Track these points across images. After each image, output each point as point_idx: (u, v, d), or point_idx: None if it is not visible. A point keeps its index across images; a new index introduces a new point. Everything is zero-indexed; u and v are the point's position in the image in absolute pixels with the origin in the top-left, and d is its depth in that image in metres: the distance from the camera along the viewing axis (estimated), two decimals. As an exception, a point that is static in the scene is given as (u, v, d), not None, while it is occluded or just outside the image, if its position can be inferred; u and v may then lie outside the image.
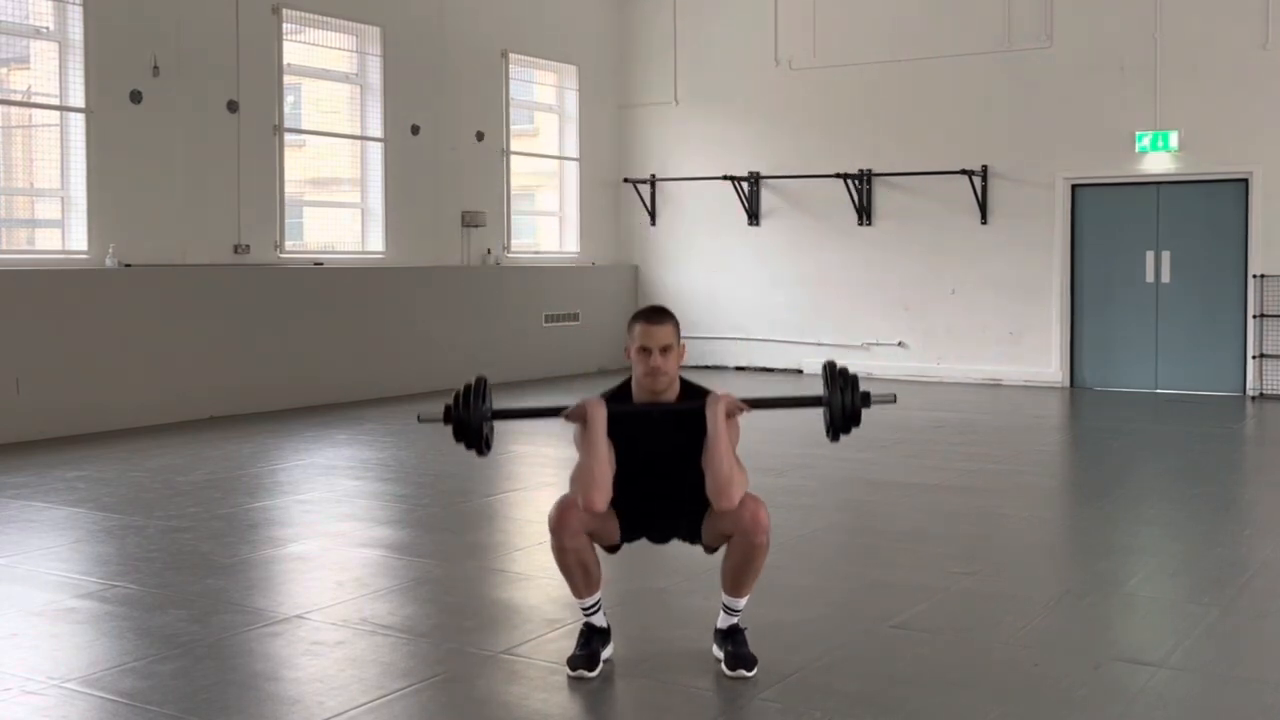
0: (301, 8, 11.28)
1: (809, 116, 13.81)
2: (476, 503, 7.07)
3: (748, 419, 4.05)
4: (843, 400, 3.95)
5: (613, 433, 3.92)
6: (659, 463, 4.02)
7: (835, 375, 4.00)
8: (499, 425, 4.11)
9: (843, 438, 4.04)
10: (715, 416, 3.88)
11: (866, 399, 3.96)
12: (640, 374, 3.96)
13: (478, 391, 3.98)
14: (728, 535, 3.99)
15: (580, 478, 3.90)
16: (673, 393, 4.01)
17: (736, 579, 4.03)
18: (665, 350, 3.93)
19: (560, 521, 3.95)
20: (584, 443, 3.92)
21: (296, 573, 5.52)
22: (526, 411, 4.62)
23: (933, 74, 13.16)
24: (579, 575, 4.03)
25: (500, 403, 4.11)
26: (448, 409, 3.97)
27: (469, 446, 4.01)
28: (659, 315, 3.99)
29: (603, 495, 3.88)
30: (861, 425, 4.01)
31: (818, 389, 4.05)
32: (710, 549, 4.16)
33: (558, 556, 4.03)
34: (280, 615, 4.74)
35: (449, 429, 3.99)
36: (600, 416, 3.90)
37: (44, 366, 9.11)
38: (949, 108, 13.10)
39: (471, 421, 3.96)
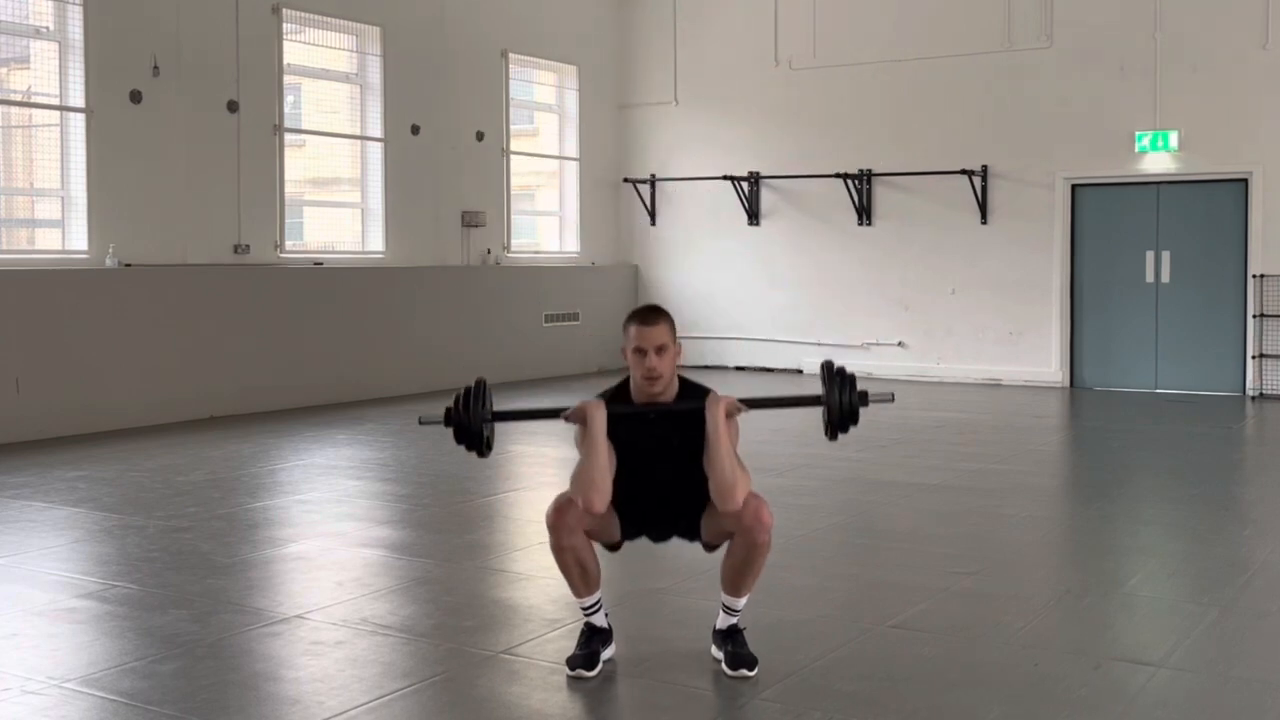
0: (301, 8, 11.28)
1: (809, 116, 13.81)
2: (476, 503, 7.07)
3: (747, 419, 4.05)
4: (840, 399, 3.95)
5: (612, 433, 3.92)
6: (658, 462, 4.02)
7: (833, 375, 4.00)
8: (499, 426, 4.11)
9: (841, 437, 4.04)
10: (715, 418, 3.88)
11: (864, 398, 3.96)
12: (637, 376, 3.96)
13: (478, 394, 3.99)
14: (729, 533, 3.99)
15: (579, 480, 3.90)
16: (671, 392, 4.00)
17: (737, 579, 4.03)
18: (660, 350, 3.92)
19: (557, 519, 3.96)
20: (584, 444, 3.92)
21: (296, 573, 5.52)
22: (526, 413, 4.63)
23: (933, 74, 13.16)
24: (577, 574, 4.03)
25: (500, 403, 4.12)
26: (448, 411, 3.98)
27: (470, 448, 4.02)
28: (653, 315, 3.98)
29: (602, 497, 3.89)
30: (860, 425, 4.01)
31: (817, 388, 4.05)
32: (710, 547, 4.16)
33: (556, 555, 4.03)
34: (280, 615, 4.74)
35: (450, 431, 3.99)
36: (600, 418, 3.90)
37: (44, 366, 9.11)
38: (949, 108, 13.11)
39: (472, 424, 3.97)
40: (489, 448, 4.05)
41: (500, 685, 4.02)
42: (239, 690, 3.95)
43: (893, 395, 4.15)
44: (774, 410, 4.36)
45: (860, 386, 3.98)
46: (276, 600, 5.05)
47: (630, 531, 4.16)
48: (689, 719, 3.78)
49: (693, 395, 4.02)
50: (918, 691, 3.90)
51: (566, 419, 3.98)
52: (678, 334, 4.05)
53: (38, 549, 5.84)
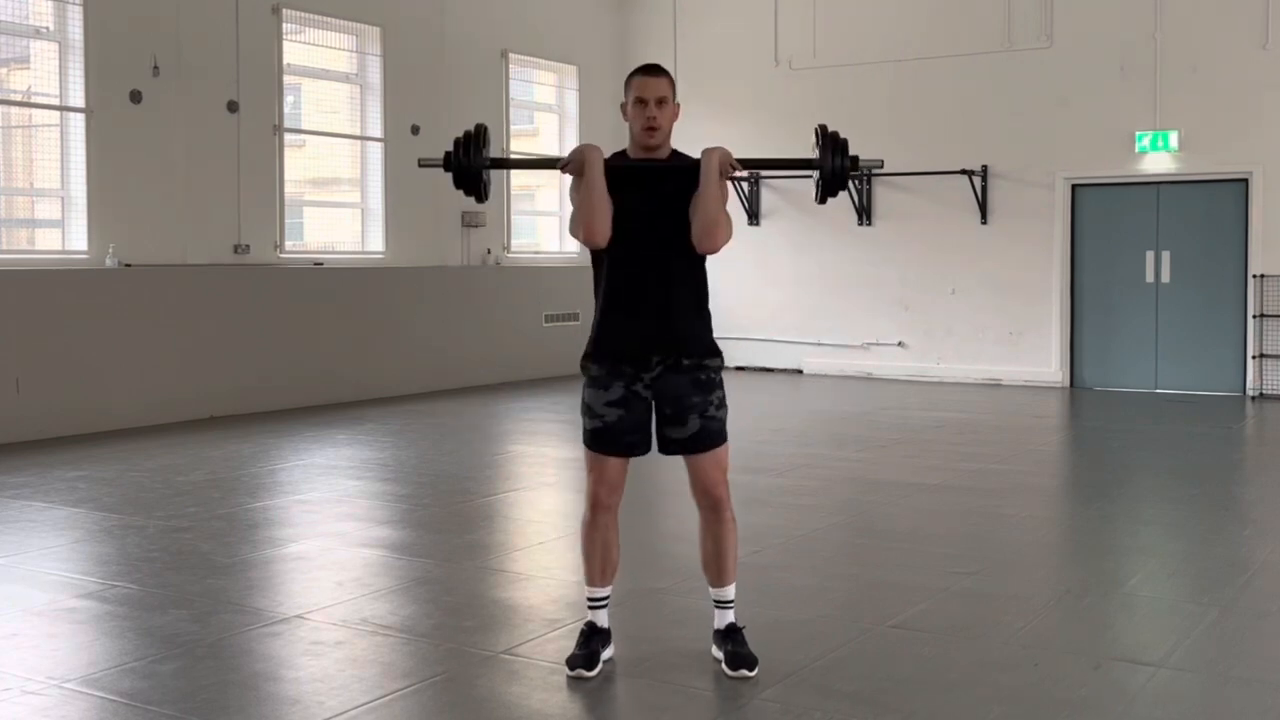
0: (301, 8, 11.28)
1: (809, 116, 13.73)
2: (476, 503, 7.06)
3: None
4: (833, 163, 4.09)
5: (609, 191, 3.98)
6: (653, 220, 4.03)
7: (827, 138, 4.13)
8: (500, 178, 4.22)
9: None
10: (709, 165, 3.99)
11: (855, 162, 4.11)
12: (638, 128, 4.03)
13: (477, 139, 4.11)
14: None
15: (579, 213, 3.98)
16: (665, 151, 4.09)
17: (715, 565, 4.09)
18: (661, 103, 4.01)
19: (598, 493, 4.03)
20: (582, 181, 4.00)
21: (296, 573, 5.52)
22: (524, 162, 4.91)
23: (933, 74, 13.16)
24: (599, 558, 4.08)
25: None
26: (448, 156, 4.12)
27: (468, 193, 4.17)
28: (655, 69, 4.08)
29: (603, 228, 3.95)
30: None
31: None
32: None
33: (586, 532, 4.09)
34: (280, 615, 4.74)
35: (449, 186, 4.19)
36: (596, 159, 3.99)
37: (44, 366, 9.11)
38: (949, 108, 13.11)
39: (471, 167, 4.10)
40: (486, 194, 4.21)
41: (500, 685, 4.02)
42: (239, 690, 3.95)
43: (882, 161, 4.36)
44: (769, 171, 4.50)
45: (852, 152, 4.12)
46: (276, 600, 5.05)
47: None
48: (689, 719, 3.78)
49: (686, 160, 4.11)
50: (918, 691, 3.90)
51: (563, 169, 4.08)
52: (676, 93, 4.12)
53: (38, 549, 5.84)
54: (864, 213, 13.56)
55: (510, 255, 13.63)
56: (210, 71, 10.49)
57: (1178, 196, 12.23)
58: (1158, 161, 12.20)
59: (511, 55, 13.53)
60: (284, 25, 11.15)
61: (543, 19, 13.90)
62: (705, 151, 4.03)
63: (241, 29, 10.74)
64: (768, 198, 14.11)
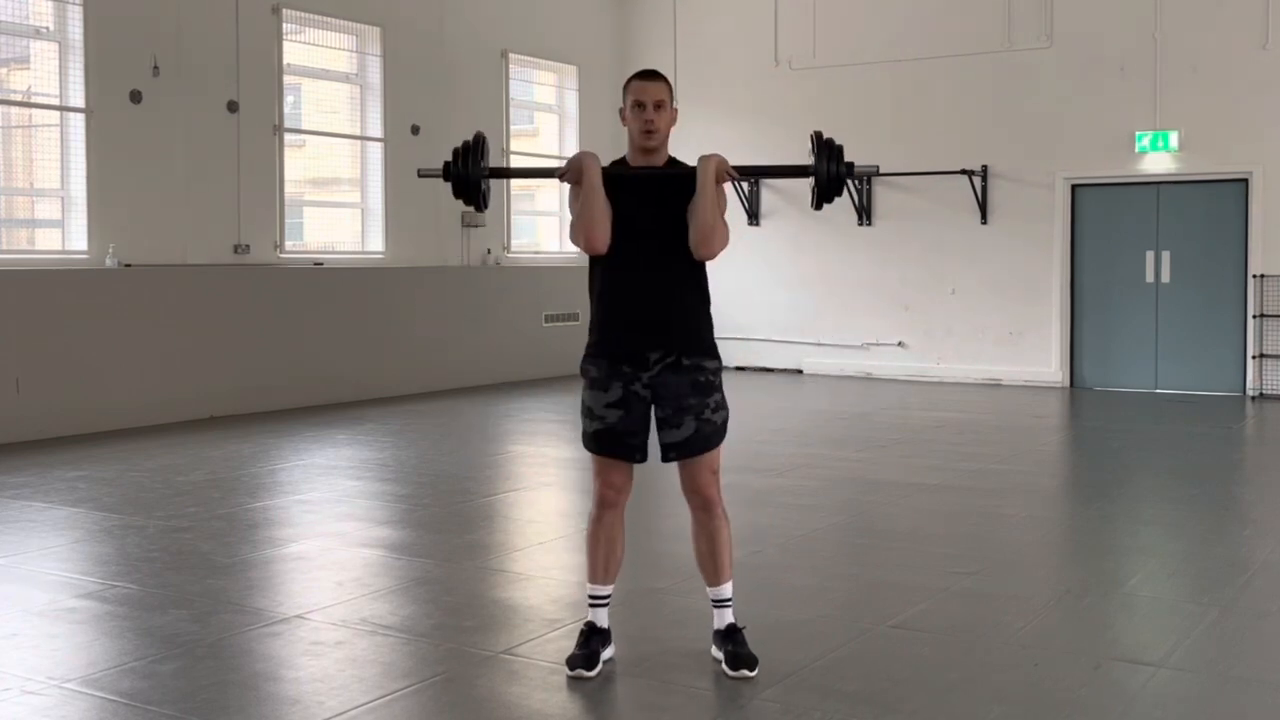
0: (301, 8, 11.28)
1: (809, 116, 13.76)
2: (476, 503, 7.06)
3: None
4: (828, 169, 4.11)
5: (608, 196, 4.00)
6: (651, 228, 4.04)
7: (822, 144, 4.15)
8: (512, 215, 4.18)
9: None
10: (705, 172, 4.02)
11: (850, 168, 4.13)
12: (636, 131, 4.06)
13: (475, 149, 4.13)
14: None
15: (580, 218, 3.99)
16: (663, 157, 4.12)
17: (710, 564, 4.10)
18: (659, 106, 4.04)
19: (605, 492, 4.05)
20: (580, 191, 4.02)
21: (296, 573, 5.52)
22: (523, 171, 4.89)
23: (933, 74, 13.16)
24: (603, 555, 4.09)
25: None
26: (447, 166, 4.14)
27: (468, 203, 4.19)
28: (653, 73, 4.11)
29: (603, 233, 3.97)
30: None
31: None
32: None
33: (592, 528, 4.11)
34: (280, 615, 4.74)
35: (449, 190, 4.15)
36: (594, 166, 4.02)
37: (44, 366, 9.11)
38: (949, 108, 13.11)
39: (470, 177, 4.12)
40: (486, 202, 4.22)
41: (500, 685, 4.02)
42: (239, 690, 3.95)
43: (878, 168, 4.37)
44: (765, 179, 4.47)
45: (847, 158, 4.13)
46: (276, 600, 5.05)
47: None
48: (689, 719, 3.78)
49: (683, 167, 4.13)
50: (918, 691, 3.90)
51: (561, 177, 4.10)
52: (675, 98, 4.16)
53: (38, 549, 5.84)
54: (864, 213, 13.56)
55: (510, 255, 13.63)
56: (210, 71, 10.49)
57: (1178, 196, 12.23)
58: (1158, 161, 12.20)
59: (511, 55, 13.53)
60: (284, 25, 11.15)
61: (543, 19, 13.90)
62: (701, 159, 4.05)
63: (241, 29, 10.74)
64: (768, 198, 14.11)
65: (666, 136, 4.10)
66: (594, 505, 4.11)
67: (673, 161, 4.15)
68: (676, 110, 4.13)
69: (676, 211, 4.03)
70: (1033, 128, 12.70)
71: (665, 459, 4.07)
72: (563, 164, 4.10)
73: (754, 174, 4.37)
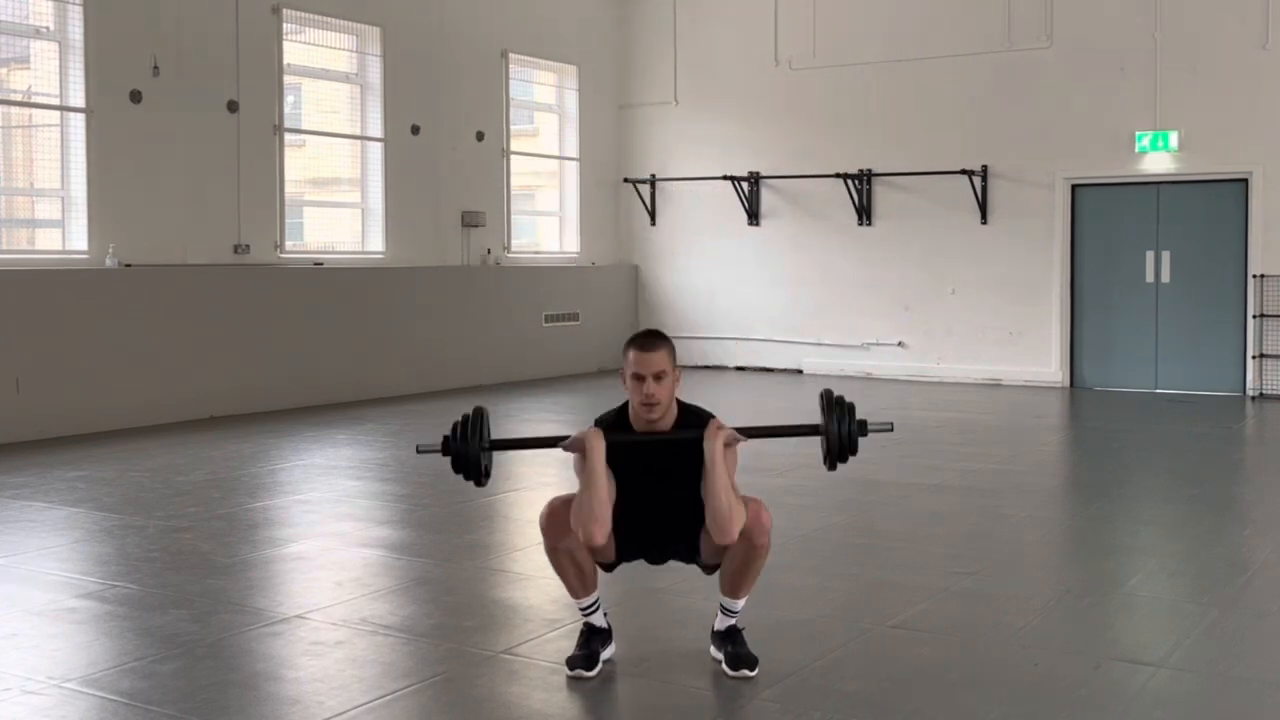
0: (301, 8, 11.28)
1: (809, 116, 13.81)
2: (476, 503, 7.06)
3: (747, 446, 4.02)
4: (840, 429, 3.92)
5: (611, 460, 3.89)
6: (657, 490, 3.99)
7: (833, 404, 3.95)
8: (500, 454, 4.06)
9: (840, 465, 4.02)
10: (713, 449, 3.83)
11: (863, 428, 3.93)
12: (636, 402, 3.92)
13: (475, 424, 3.94)
14: (723, 511, 3.94)
15: (579, 512, 3.86)
16: (669, 418, 3.97)
17: (736, 580, 4.03)
18: (659, 377, 3.88)
19: (550, 521, 3.96)
20: (583, 474, 3.88)
21: (296, 573, 5.52)
22: (524, 442, 4.64)
23: (933, 74, 13.16)
24: (573, 574, 4.04)
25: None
26: (446, 440, 3.95)
27: (467, 478, 3.98)
28: (652, 341, 3.95)
29: (602, 529, 3.84)
30: (859, 454, 4.00)
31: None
32: (709, 568, 4.13)
33: (551, 557, 4.04)
34: (280, 615, 4.74)
35: (448, 462, 3.95)
36: (599, 449, 3.86)
37: (44, 366, 9.11)
38: (949, 108, 13.11)
39: (469, 453, 3.93)
40: (487, 476, 4.02)
41: (500, 685, 4.02)
42: (239, 690, 3.95)
43: (892, 425, 4.09)
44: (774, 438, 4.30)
45: (860, 415, 3.95)
46: (276, 600, 5.05)
47: (628, 554, 4.12)
48: (689, 719, 3.78)
49: (692, 422, 3.97)
50: (918, 691, 3.90)
51: (566, 448, 3.95)
52: (677, 358, 4.00)
53: (37, 549, 5.84)
54: (864, 213, 13.55)
55: (510, 255, 13.63)
56: (210, 71, 10.49)
57: (1178, 196, 12.23)
58: (1158, 161, 12.20)
59: (511, 55, 13.52)
60: (284, 25, 11.15)
61: (543, 19, 13.90)
62: (707, 433, 3.87)
63: (241, 29, 10.74)
64: (768, 198, 14.10)
65: (670, 403, 3.95)
66: (544, 517, 3.98)
67: (682, 409, 4.00)
68: (680, 372, 3.98)
69: (684, 474, 3.93)
70: (1033, 128, 12.70)
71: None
72: (568, 436, 3.95)
73: (762, 435, 4.11)
